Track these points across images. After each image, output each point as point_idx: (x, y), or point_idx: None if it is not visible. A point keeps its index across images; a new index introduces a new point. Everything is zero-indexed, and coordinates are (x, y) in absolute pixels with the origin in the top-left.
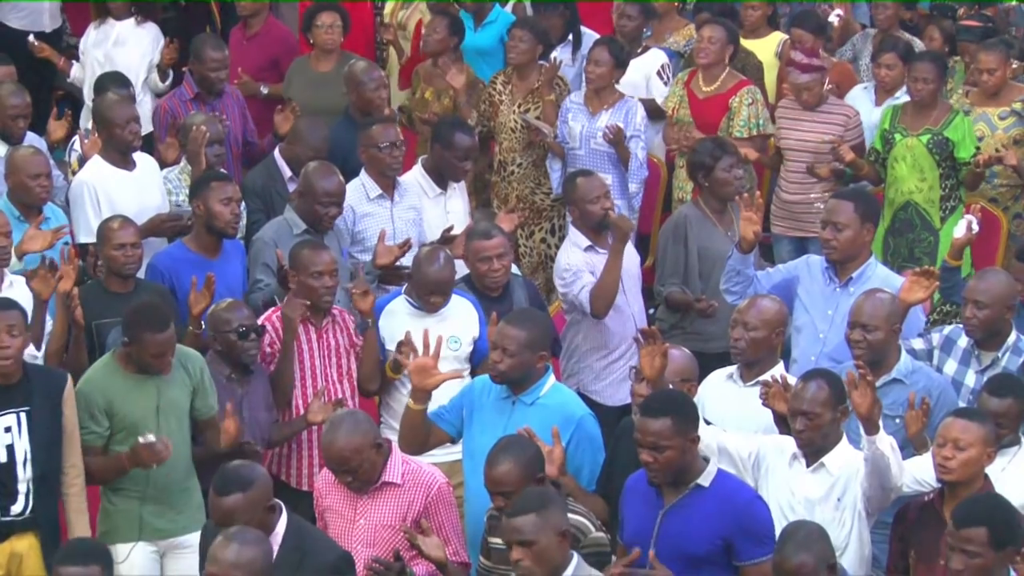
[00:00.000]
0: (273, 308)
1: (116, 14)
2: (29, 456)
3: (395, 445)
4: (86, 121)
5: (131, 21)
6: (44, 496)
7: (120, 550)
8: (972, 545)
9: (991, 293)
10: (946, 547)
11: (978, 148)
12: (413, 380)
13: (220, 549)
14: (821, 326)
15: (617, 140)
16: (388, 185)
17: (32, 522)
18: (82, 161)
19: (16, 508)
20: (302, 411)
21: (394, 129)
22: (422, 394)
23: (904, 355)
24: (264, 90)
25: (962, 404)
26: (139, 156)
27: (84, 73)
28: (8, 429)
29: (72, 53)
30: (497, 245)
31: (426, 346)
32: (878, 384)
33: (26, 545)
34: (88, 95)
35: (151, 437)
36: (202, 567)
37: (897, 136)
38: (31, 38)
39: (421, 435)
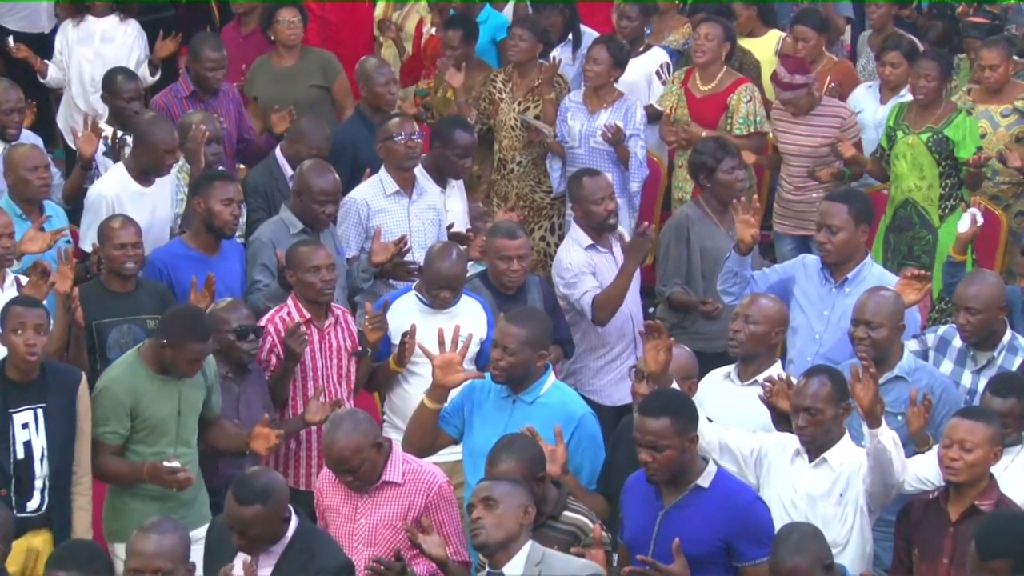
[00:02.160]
0: (275, 309)
1: (97, 12)
2: (45, 453)
3: (396, 444)
4: (65, 119)
5: (114, 18)
6: (58, 493)
7: None
8: (997, 575)
9: (982, 298)
10: (969, 571)
11: (980, 148)
12: (436, 375)
13: (139, 542)
14: (817, 326)
15: (616, 140)
16: (406, 182)
17: (47, 518)
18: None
19: (32, 504)
20: (301, 411)
21: (411, 123)
22: (441, 392)
23: (907, 352)
24: None
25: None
26: None
27: (67, 72)
28: (25, 426)
29: None
30: (520, 246)
31: (454, 342)
32: (881, 381)
33: (41, 541)
34: (78, 92)
35: (176, 463)
36: (208, 565)
37: (899, 133)
38: (9, 40)
39: (431, 436)
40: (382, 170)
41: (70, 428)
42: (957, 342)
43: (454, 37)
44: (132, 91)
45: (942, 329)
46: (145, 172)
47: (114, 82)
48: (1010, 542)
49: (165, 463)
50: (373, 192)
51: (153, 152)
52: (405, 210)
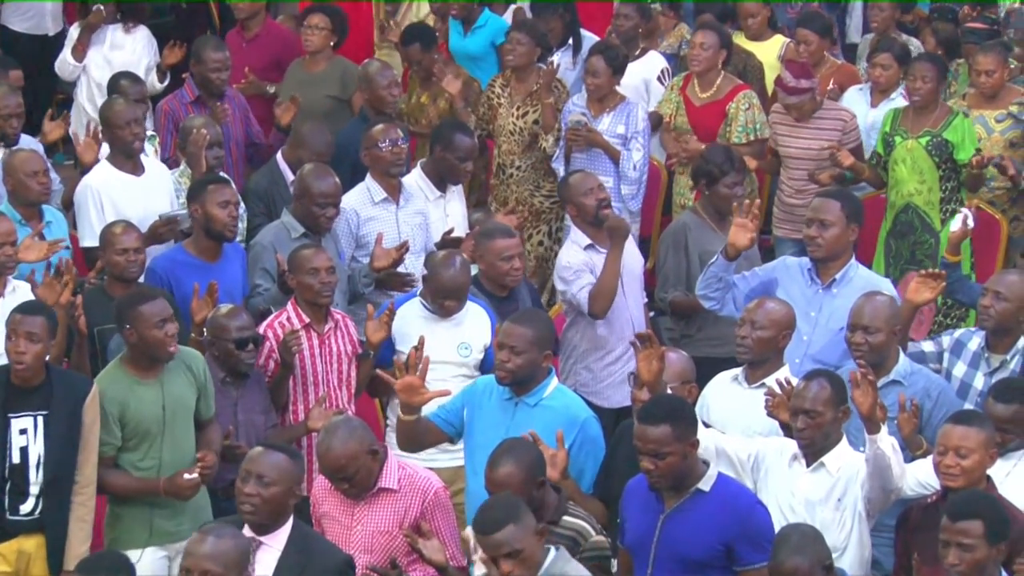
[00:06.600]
0: (274, 315)
1: (107, 19)
2: (43, 460)
3: (391, 451)
4: (75, 121)
5: (120, 26)
6: (55, 499)
7: (129, 556)
8: (968, 538)
9: (1014, 288)
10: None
11: (978, 150)
12: (401, 398)
13: (195, 543)
14: (804, 328)
15: (585, 136)
16: (393, 188)
17: (39, 523)
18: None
19: (25, 508)
20: (302, 416)
21: (395, 129)
22: (410, 408)
23: (902, 357)
24: (271, 89)
25: (969, 406)
26: (149, 162)
27: (83, 75)
28: (24, 431)
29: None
30: (518, 244)
31: (413, 365)
32: (877, 386)
33: (34, 545)
34: (87, 97)
35: (195, 475)
36: None
37: (897, 138)
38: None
39: (417, 439)
40: (368, 178)
41: (73, 436)
42: (972, 344)
43: (414, 51)
44: (136, 94)
45: (958, 332)
46: (122, 154)
47: (118, 86)
48: (981, 506)
49: (185, 475)
50: (362, 200)
51: (114, 129)
52: (394, 216)
